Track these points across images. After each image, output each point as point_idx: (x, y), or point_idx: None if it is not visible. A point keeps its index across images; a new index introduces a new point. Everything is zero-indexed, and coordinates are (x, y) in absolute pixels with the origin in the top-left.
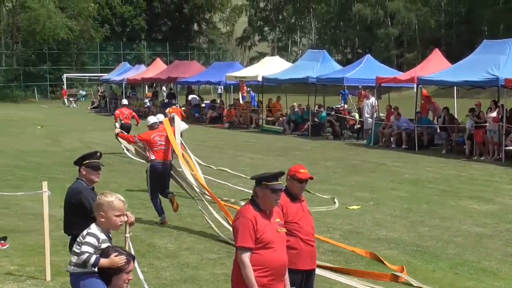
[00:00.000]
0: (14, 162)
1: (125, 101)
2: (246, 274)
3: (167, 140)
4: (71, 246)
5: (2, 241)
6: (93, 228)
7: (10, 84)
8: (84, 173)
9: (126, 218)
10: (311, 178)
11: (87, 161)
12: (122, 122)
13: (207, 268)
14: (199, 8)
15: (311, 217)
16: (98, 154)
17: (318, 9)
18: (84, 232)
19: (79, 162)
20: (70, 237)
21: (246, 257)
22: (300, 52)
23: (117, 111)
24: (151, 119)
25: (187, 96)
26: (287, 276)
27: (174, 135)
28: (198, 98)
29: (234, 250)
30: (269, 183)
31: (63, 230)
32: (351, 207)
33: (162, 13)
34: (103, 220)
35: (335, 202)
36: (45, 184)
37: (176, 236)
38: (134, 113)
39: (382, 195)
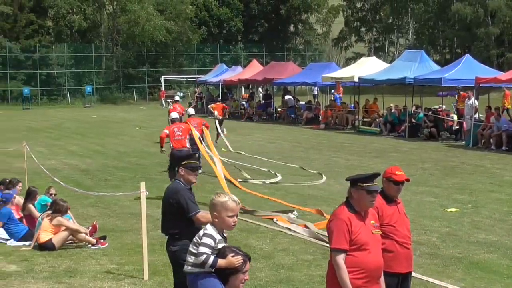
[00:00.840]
0: (113, 162)
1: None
2: (340, 276)
3: (183, 131)
4: (168, 245)
5: (102, 240)
6: (209, 228)
7: (109, 86)
8: (182, 173)
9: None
10: (408, 180)
11: (186, 162)
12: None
13: (302, 270)
14: (296, 9)
15: (407, 219)
16: (197, 155)
17: (416, 8)
18: (201, 233)
19: (177, 162)
20: (167, 236)
21: (340, 259)
22: (397, 52)
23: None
24: (173, 114)
25: (283, 97)
26: (382, 279)
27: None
28: (293, 99)
29: (329, 252)
30: (364, 184)
31: (161, 230)
32: (449, 210)
33: (259, 15)
34: (216, 220)
35: (322, 177)
36: (143, 185)
37: (271, 237)
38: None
39: (481, 197)
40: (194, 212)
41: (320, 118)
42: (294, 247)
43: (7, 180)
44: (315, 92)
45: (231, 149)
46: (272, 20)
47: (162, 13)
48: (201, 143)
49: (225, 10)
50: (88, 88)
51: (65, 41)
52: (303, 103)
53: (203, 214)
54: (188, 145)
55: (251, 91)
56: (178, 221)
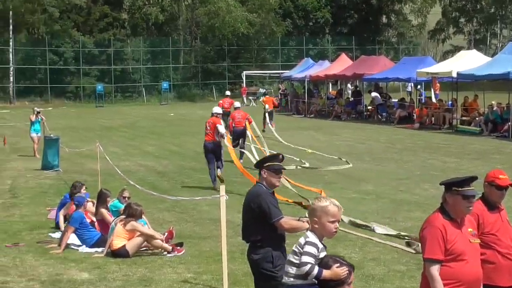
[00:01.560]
0: (190, 164)
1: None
2: None
3: (212, 126)
4: (249, 253)
5: (179, 247)
6: (311, 236)
7: (188, 82)
8: (265, 176)
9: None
10: None
11: (269, 164)
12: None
13: (394, 281)
14: None
15: (511, 228)
16: (281, 156)
17: None
18: (302, 241)
19: (260, 164)
20: (248, 243)
21: (435, 270)
22: (500, 45)
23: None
24: (215, 109)
25: (369, 93)
26: None
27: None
28: (379, 96)
29: (423, 262)
30: (460, 189)
31: (241, 237)
32: None
33: (348, 5)
34: (317, 226)
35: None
36: (222, 188)
37: (361, 246)
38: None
39: None
40: (277, 217)
41: (415, 117)
42: (385, 256)
43: (79, 184)
44: (409, 89)
45: (281, 140)
46: (363, 10)
47: (243, 4)
48: (229, 138)
49: (311, 0)
50: (165, 85)
51: (141, 34)
52: (396, 100)
53: (287, 220)
54: (217, 138)
55: (339, 88)
56: (260, 227)
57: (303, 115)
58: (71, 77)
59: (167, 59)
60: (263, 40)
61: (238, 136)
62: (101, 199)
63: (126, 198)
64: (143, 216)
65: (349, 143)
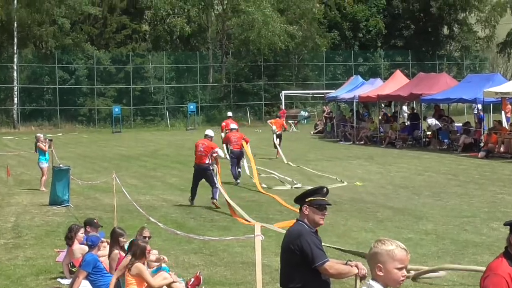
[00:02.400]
0: (221, 198)
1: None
2: None
3: (206, 148)
4: None
5: None
6: (376, 286)
7: (218, 103)
8: (306, 213)
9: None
10: None
11: (311, 199)
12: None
13: None
14: (451, 6)
15: None
16: (325, 190)
17: None
18: None
19: (301, 199)
20: None
21: None
22: None
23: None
24: (207, 131)
25: (425, 120)
26: None
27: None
28: (437, 123)
29: None
30: None
31: (279, 283)
32: None
33: (403, 14)
34: (381, 274)
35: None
36: (257, 227)
37: None
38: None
39: None
40: (321, 261)
41: (482, 144)
42: None
43: (94, 220)
44: (476, 111)
45: (286, 161)
46: (421, 20)
47: (282, 14)
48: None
49: (361, 8)
50: (192, 107)
51: (164, 49)
52: (460, 124)
53: (333, 263)
54: (207, 161)
55: (393, 110)
56: (301, 272)
57: (351, 142)
58: (84, 98)
59: (194, 77)
60: (305, 55)
61: (237, 158)
62: (113, 238)
63: (147, 238)
64: (163, 263)
65: (405, 174)
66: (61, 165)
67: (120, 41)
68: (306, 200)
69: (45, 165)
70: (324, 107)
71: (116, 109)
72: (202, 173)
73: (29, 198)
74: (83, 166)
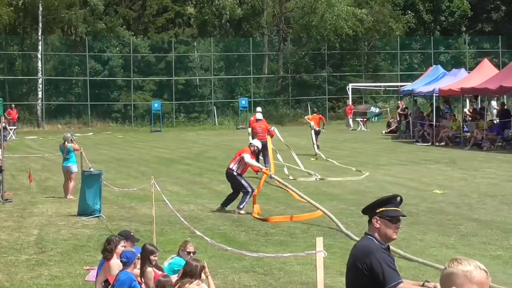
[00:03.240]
0: (278, 208)
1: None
2: None
3: (237, 153)
4: None
5: None
6: None
7: (274, 98)
8: (377, 226)
9: None
10: None
11: (383, 209)
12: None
13: None
14: None
15: None
16: (398, 199)
17: None
18: None
19: (371, 210)
20: None
21: None
22: None
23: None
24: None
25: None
26: None
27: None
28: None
29: None
30: None
31: None
32: None
33: None
34: None
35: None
36: (319, 241)
37: None
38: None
39: None
40: (394, 282)
41: None
42: None
43: (131, 233)
44: None
45: (324, 157)
46: None
47: None
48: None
49: None
50: (243, 102)
51: (212, 35)
52: None
53: (407, 284)
54: (233, 167)
55: (480, 106)
56: None
57: (430, 143)
58: (119, 91)
59: (247, 67)
60: (376, 42)
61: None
62: (143, 256)
63: (191, 254)
64: (206, 275)
65: (493, 181)
66: (91, 169)
67: (161, 25)
68: (377, 211)
69: (75, 169)
70: (398, 102)
71: (156, 105)
72: (228, 179)
73: (55, 208)
74: (117, 170)
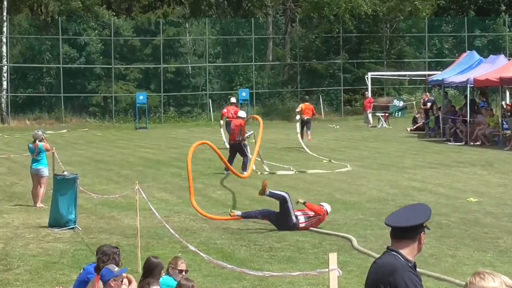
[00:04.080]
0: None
1: (233, 99)
2: None
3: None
4: None
5: None
6: None
7: (280, 89)
8: (423, 242)
9: None
10: None
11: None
12: (227, 119)
13: None
14: None
15: None
16: (429, 212)
17: None
18: None
19: (420, 226)
20: None
21: None
22: None
23: (224, 110)
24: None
25: None
26: None
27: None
28: None
29: None
30: None
31: None
32: None
33: None
34: None
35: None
36: (333, 257)
37: None
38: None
39: None
40: None
41: None
42: None
43: (113, 249)
44: None
45: (309, 152)
46: None
47: None
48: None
49: None
50: (244, 94)
51: (207, 15)
52: None
53: None
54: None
55: None
56: None
57: (463, 143)
58: (97, 82)
59: (248, 53)
60: (400, 24)
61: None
62: (152, 273)
63: (183, 272)
64: None
65: None
66: (65, 173)
67: (147, 4)
68: (425, 224)
69: (46, 172)
70: (425, 94)
71: (141, 97)
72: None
73: (22, 218)
74: (95, 174)
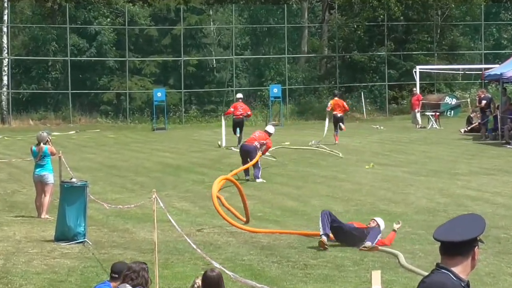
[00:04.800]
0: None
1: (240, 95)
2: None
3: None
4: None
5: None
6: None
7: (316, 85)
8: (476, 257)
9: None
10: None
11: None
12: (234, 117)
13: None
14: None
15: None
16: (483, 223)
17: None
18: None
19: (475, 240)
20: None
21: None
22: None
23: (231, 108)
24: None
25: None
26: None
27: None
28: None
29: None
30: None
31: None
32: None
33: None
34: None
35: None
36: (376, 275)
37: None
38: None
39: None
40: None
41: None
42: None
43: (142, 265)
44: None
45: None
46: None
47: None
48: None
49: None
50: (275, 90)
51: (234, 0)
52: None
53: None
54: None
55: None
56: None
57: None
58: (110, 76)
59: (280, 44)
60: (453, 11)
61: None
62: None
63: None
64: None
65: None
66: (73, 180)
67: None
68: (479, 238)
69: (51, 179)
70: (480, 90)
71: (159, 94)
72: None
73: (25, 231)
74: (107, 181)
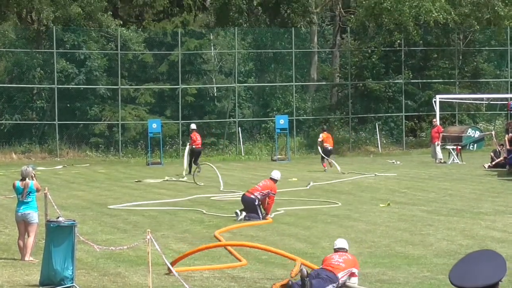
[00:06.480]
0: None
1: (193, 126)
2: None
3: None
4: None
5: None
6: None
7: (327, 116)
8: None
9: None
10: None
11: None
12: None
13: None
14: None
15: None
16: (504, 262)
17: None
18: None
19: (497, 284)
20: None
21: None
22: None
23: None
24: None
25: None
26: None
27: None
28: None
29: None
30: None
31: None
32: None
33: None
34: None
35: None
36: None
37: None
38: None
39: None
40: None
41: None
42: None
43: None
44: None
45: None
46: None
47: None
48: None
49: None
50: (282, 121)
51: (237, 23)
52: None
53: None
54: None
55: None
56: None
57: None
58: (101, 106)
59: (287, 71)
60: (477, 35)
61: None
62: None
63: None
64: None
65: None
66: (60, 219)
67: (162, 10)
68: (502, 280)
69: (36, 218)
70: (508, 122)
71: (154, 125)
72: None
73: (7, 274)
74: (97, 220)
